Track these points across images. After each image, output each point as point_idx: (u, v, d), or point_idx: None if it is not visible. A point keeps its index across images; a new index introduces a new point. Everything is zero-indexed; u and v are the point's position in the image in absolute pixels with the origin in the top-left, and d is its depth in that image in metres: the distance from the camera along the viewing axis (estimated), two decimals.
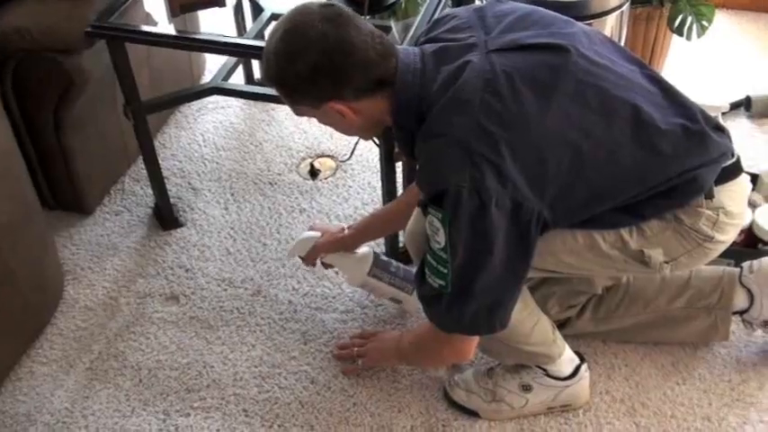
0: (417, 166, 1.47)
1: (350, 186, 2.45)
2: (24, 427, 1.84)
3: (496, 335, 1.53)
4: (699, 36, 2.49)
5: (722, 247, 1.58)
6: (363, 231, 1.93)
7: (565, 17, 1.55)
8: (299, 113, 1.55)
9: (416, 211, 1.65)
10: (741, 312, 1.83)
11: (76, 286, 2.18)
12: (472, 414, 1.81)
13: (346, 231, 1.93)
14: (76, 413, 1.87)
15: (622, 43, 2.34)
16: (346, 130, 1.60)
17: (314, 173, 2.50)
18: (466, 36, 1.47)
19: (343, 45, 1.39)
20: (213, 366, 1.96)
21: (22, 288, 1.91)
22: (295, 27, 1.42)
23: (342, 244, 1.92)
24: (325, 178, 2.49)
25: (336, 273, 2.15)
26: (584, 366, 1.78)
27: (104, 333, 2.05)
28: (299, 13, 1.44)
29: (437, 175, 1.38)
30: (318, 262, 1.99)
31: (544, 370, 1.75)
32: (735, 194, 1.54)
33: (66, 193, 2.35)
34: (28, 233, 1.93)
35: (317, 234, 1.95)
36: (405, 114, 1.47)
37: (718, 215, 1.51)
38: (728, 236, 1.56)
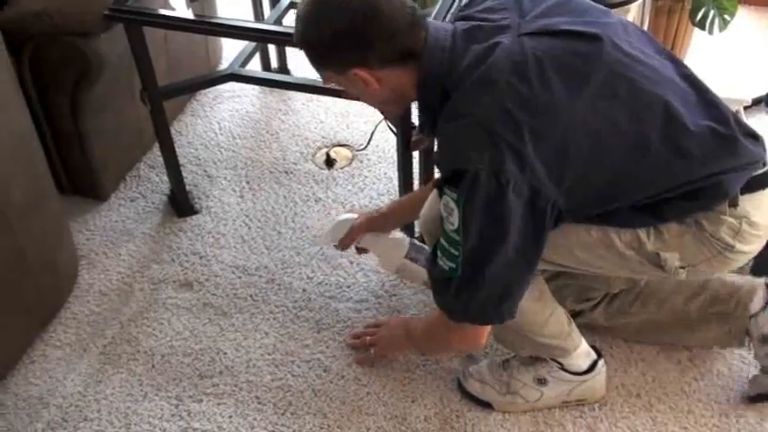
0: (437, 145, 1.46)
1: (366, 176, 2.44)
2: (37, 410, 1.84)
3: (511, 324, 1.51)
4: (720, 30, 2.46)
5: (744, 258, 1.53)
6: (399, 211, 1.90)
7: (602, 7, 1.53)
8: (325, 80, 1.53)
9: (432, 196, 1.64)
10: (751, 316, 1.77)
11: (91, 271, 2.18)
12: (486, 406, 1.80)
13: (381, 212, 1.91)
14: (89, 397, 1.87)
15: None
16: (370, 100, 1.58)
17: (330, 162, 2.49)
18: (499, 17, 1.45)
19: (370, 11, 1.37)
20: (226, 353, 1.95)
21: (36, 271, 1.91)
22: None
23: (378, 224, 1.88)
24: (341, 168, 2.48)
25: (357, 266, 2.14)
26: (600, 362, 1.76)
27: (118, 318, 2.05)
28: None
29: (457, 154, 1.35)
30: (353, 247, 1.95)
31: (560, 363, 1.73)
32: (762, 204, 1.50)
33: (82, 178, 2.35)
34: (43, 217, 1.93)
35: (354, 216, 1.92)
36: (429, 89, 1.44)
37: (741, 224, 1.47)
38: (751, 246, 1.52)
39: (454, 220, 1.36)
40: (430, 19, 1.48)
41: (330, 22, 1.40)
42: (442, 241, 1.42)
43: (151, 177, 2.48)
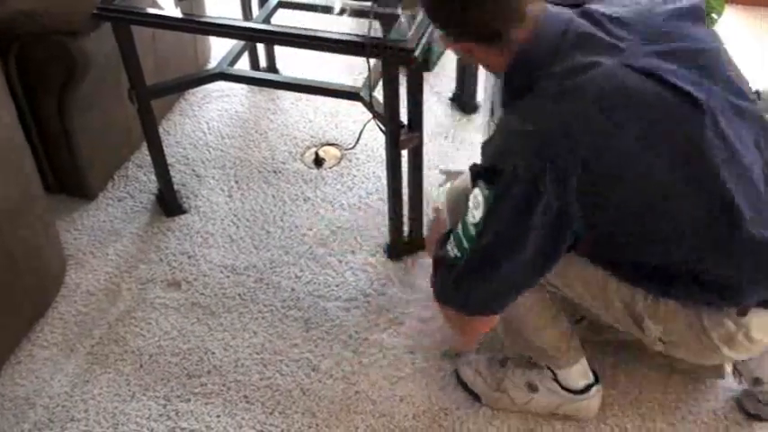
0: (491, 132, 1.42)
1: (354, 175, 2.43)
2: (23, 411, 1.83)
3: (512, 319, 1.52)
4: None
5: (724, 360, 1.53)
6: None
7: (728, 63, 1.44)
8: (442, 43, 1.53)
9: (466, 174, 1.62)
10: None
11: (78, 271, 2.17)
12: (475, 397, 1.80)
13: None
14: (76, 397, 1.86)
15: None
16: (480, 64, 1.58)
17: (318, 162, 2.49)
18: (621, 35, 1.36)
19: None
20: (214, 353, 1.94)
21: (23, 271, 1.90)
22: None
23: None
24: (330, 167, 2.48)
25: (345, 265, 2.13)
26: (596, 387, 1.74)
27: (105, 318, 2.04)
28: None
29: (504, 151, 1.34)
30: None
31: (554, 374, 1.72)
32: None
33: (69, 177, 2.34)
34: (30, 216, 1.92)
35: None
36: (516, 77, 1.40)
37: (738, 334, 1.44)
38: (737, 354, 1.50)
39: (477, 215, 1.35)
40: (551, 8, 1.41)
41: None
42: (459, 230, 1.40)
43: (139, 177, 2.47)
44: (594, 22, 1.39)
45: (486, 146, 1.43)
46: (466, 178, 1.57)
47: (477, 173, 1.37)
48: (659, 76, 1.32)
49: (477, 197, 1.35)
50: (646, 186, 1.31)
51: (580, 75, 1.31)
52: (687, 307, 1.46)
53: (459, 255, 1.40)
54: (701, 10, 1.46)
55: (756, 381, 1.72)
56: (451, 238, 1.43)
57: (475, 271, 1.39)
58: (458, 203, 1.56)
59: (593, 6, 1.43)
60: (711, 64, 1.40)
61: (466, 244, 1.38)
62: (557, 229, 1.32)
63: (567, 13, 1.41)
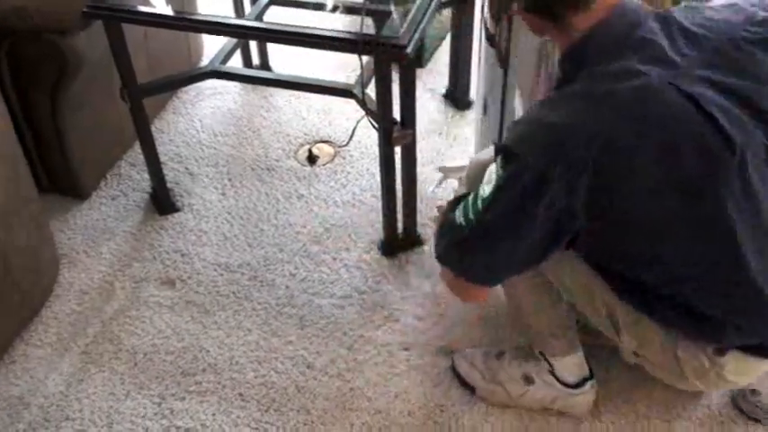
0: (523, 111, 1.43)
1: (348, 172, 2.43)
2: (18, 410, 1.83)
3: (513, 295, 1.56)
4: None
5: (692, 389, 1.54)
6: None
7: None
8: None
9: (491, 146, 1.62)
10: None
11: (72, 270, 2.16)
12: (470, 390, 1.80)
13: None
14: (71, 396, 1.85)
15: None
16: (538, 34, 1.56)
17: (312, 159, 2.49)
18: (685, 51, 1.32)
19: None
20: (209, 351, 1.94)
21: (16, 271, 1.90)
22: None
23: None
24: (324, 164, 2.47)
25: (340, 262, 2.13)
26: (590, 382, 1.74)
27: (99, 317, 2.04)
28: None
29: (524, 137, 1.33)
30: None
31: (551, 366, 1.72)
32: (745, 369, 1.46)
33: (62, 176, 2.33)
34: (23, 216, 1.91)
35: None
36: (569, 63, 1.39)
37: (710, 371, 1.45)
38: (707, 388, 1.52)
39: (487, 190, 1.35)
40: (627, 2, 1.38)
41: None
42: (470, 199, 1.40)
43: (132, 175, 2.46)
44: (667, 30, 1.35)
45: (514, 125, 1.42)
46: (490, 151, 1.58)
47: (498, 150, 1.37)
48: (701, 104, 1.27)
49: (492, 174, 1.36)
50: (652, 209, 1.30)
51: (623, 81, 1.28)
52: (666, 332, 1.47)
53: (464, 224, 1.40)
54: None
55: (753, 392, 1.74)
56: (461, 205, 1.43)
57: (475, 243, 1.40)
58: (476, 174, 1.57)
59: (677, 14, 1.38)
60: (764, 101, 1.33)
61: (472, 215, 1.38)
62: (558, 224, 1.32)
63: (644, 12, 1.37)
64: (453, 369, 1.85)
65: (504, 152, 1.34)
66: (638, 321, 1.49)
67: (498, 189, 1.33)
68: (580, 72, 1.35)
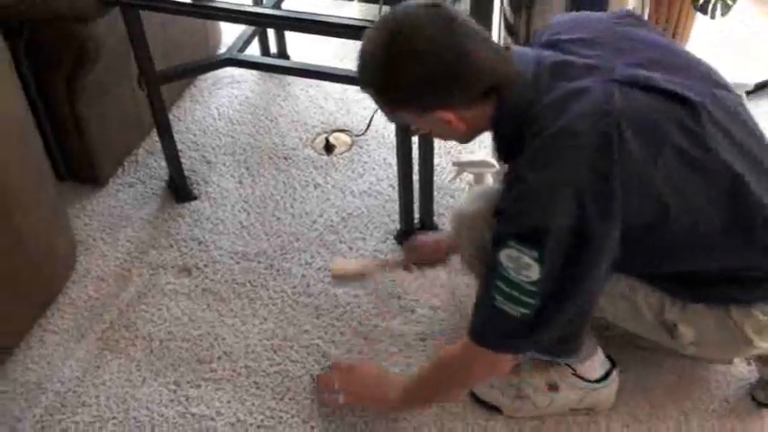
0: (510, 191, 1.34)
1: (365, 162, 2.42)
2: (35, 395, 1.84)
3: None
4: (723, 15, 2.44)
5: (758, 352, 1.51)
6: None
7: (706, 65, 1.44)
8: (394, 119, 1.46)
9: (470, 193, 1.60)
10: None
11: (89, 257, 2.17)
12: (495, 410, 1.76)
13: None
14: (87, 382, 1.86)
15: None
16: (445, 136, 1.53)
17: (329, 148, 2.48)
18: (592, 54, 1.35)
19: (457, 53, 1.28)
20: (225, 338, 1.95)
21: (34, 256, 1.91)
22: (402, 31, 1.30)
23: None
24: (341, 153, 2.47)
25: (356, 252, 2.13)
26: (615, 372, 1.72)
27: (116, 304, 2.04)
28: (404, 14, 1.31)
29: (541, 213, 1.27)
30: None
31: (573, 369, 1.70)
32: None
33: (79, 163, 2.34)
34: (40, 202, 1.92)
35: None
36: (507, 124, 1.37)
37: None
38: None
39: (532, 274, 1.29)
40: (513, 47, 1.40)
41: (414, 67, 1.29)
42: (508, 290, 1.33)
43: (149, 163, 2.47)
44: (560, 49, 1.38)
45: (510, 208, 1.33)
46: (473, 202, 1.59)
47: (511, 235, 1.30)
48: (648, 85, 1.31)
49: (522, 259, 1.29)
50: (658, 192, 1.30)
51: (572, 104, 1.28)
52: (715, 307, 1.46)
53: (526, 312, 1.32)
54: (636, 14, 1.48)
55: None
56: (499, 298, 1.34)
57: (552, 316, 1.35)
58: (466, 226, 1.55)
59: (552, 36, 1.42)
60: (684, 63, 1.39)
61: (530, 300, 1.32)
62: (610, 256, 1.31)
63: (528, 48, 1.40)
64: (472, 395, 1.78)
65: (528, 234, 1.28)
66: (686, 310, 1.47)
67: (547, 268, 1.28)
68: (524, 122, 1.33)
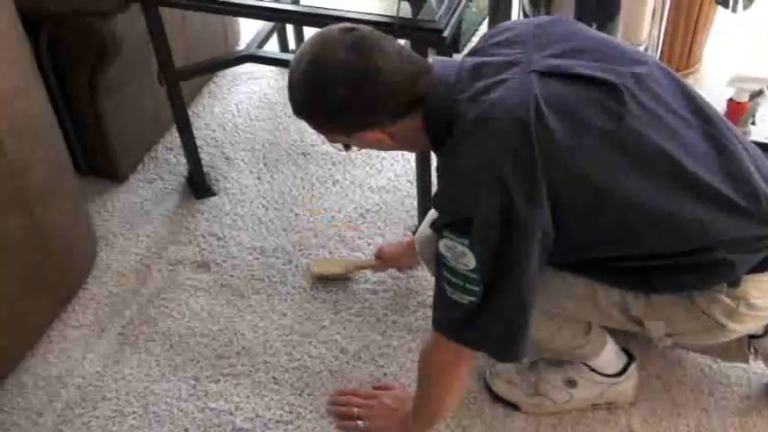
0: (438, 184, 1.39)
1: (383, 158, 2.42)
2: (56, 390, 1.85)
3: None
4: (744, 8, 2.42)
5: (735, 335, 1.49)
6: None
7: (635, 51, 1.44)
8: (333, 141, 1.49)
9: (430, 215, 1.61)
10: (753, 337, 1.68)
11: (109, 252, 2.18)
12: (513, 407, 1.76)
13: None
14: (107, 377, 1.88)
15: (665, 14, 2.28)
16: (386, 150, 1.55)
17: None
18: (512, 52, 1.37)
19: (370, 74, 1.31)
20: (244, 334, 1.95)
21: (55, 252, 1.92)
22: (317, 59, 1.33)
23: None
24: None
25: (374, 247, 2.13)
26: (632, 365, 1.71)
27: (136, 299, 2.06)
28: (321, 40, 1.35)
29: (465, 201, 1.30)
30: None
31: (588, 365, 1.69)
32: (766, 287, 1.41)
33: (100, 159, 2.36)
34: (61, 198, 1.93)
35: None
36: (437, 130, 1.38)
37: (738, 305, 1.40)
38: (746, 326, 1.46)
39: (469, 262, 1.31)
40: (436, 57, 1.42)
41: (331, 90, 1.32)
42: (455, 280, 1.36)
43: (169, 159, 2.48)
44: (482, 53, 1.41)
45: (440, 200, 1.38)
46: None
47: (443, 226, 1.34)
48: (565, 73, 1.32)
49: (456, 248, 1.32)
50: (589, 178, 1.30)
51: (490, 94, 1.30)
52: (680, 297, 1.43)
53: (473, 299, 1.35)
54: (564, 18, 1.51)
55: None
56: (449, 288, 1.37)
57: (494, 307, 1.35)
58: (430, 248, 1.53)
59: (477, 45, 1.46)
60: (611, 51, 1.39)
61: (473, 287, 1.34)
62: (543, 244, 1.31)
63: (450, 58, 1.44)
64: (488, 390, 1.79)
65: (456, 223, 1.31)
66: (651, 303, 1.45)
67: (480, 255, 1.30)
68: (450, 117, 1.34)
